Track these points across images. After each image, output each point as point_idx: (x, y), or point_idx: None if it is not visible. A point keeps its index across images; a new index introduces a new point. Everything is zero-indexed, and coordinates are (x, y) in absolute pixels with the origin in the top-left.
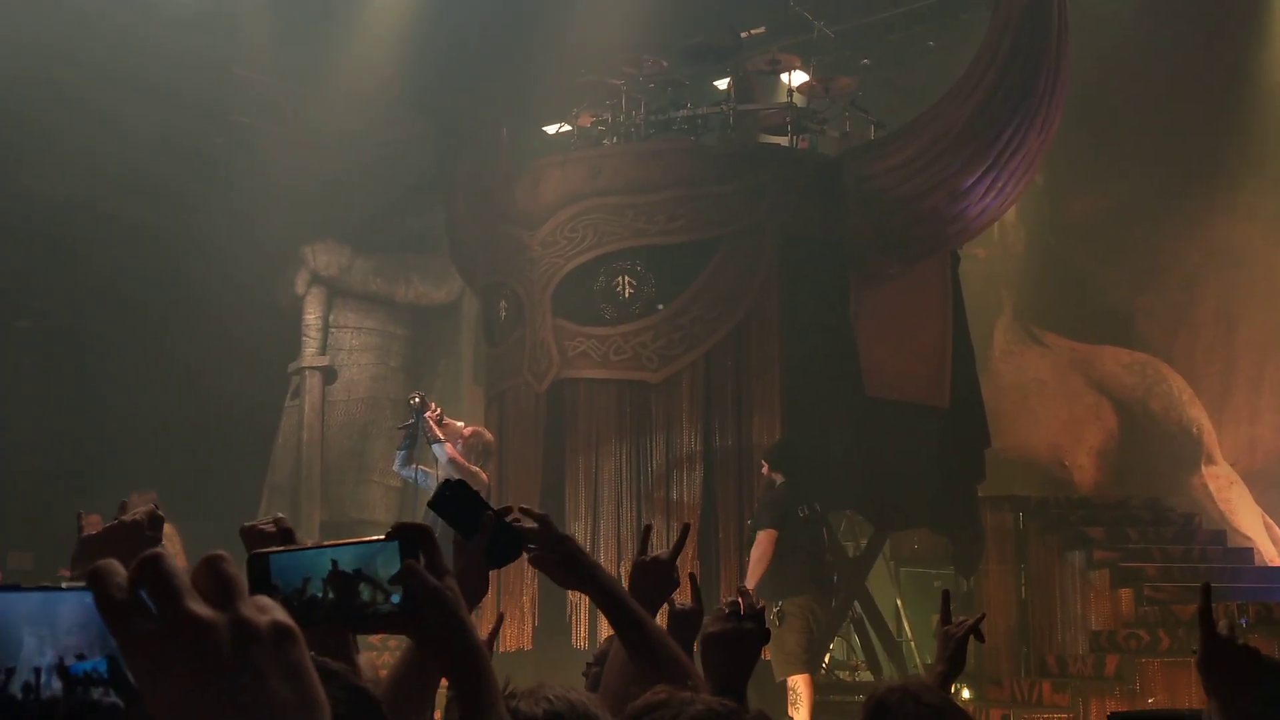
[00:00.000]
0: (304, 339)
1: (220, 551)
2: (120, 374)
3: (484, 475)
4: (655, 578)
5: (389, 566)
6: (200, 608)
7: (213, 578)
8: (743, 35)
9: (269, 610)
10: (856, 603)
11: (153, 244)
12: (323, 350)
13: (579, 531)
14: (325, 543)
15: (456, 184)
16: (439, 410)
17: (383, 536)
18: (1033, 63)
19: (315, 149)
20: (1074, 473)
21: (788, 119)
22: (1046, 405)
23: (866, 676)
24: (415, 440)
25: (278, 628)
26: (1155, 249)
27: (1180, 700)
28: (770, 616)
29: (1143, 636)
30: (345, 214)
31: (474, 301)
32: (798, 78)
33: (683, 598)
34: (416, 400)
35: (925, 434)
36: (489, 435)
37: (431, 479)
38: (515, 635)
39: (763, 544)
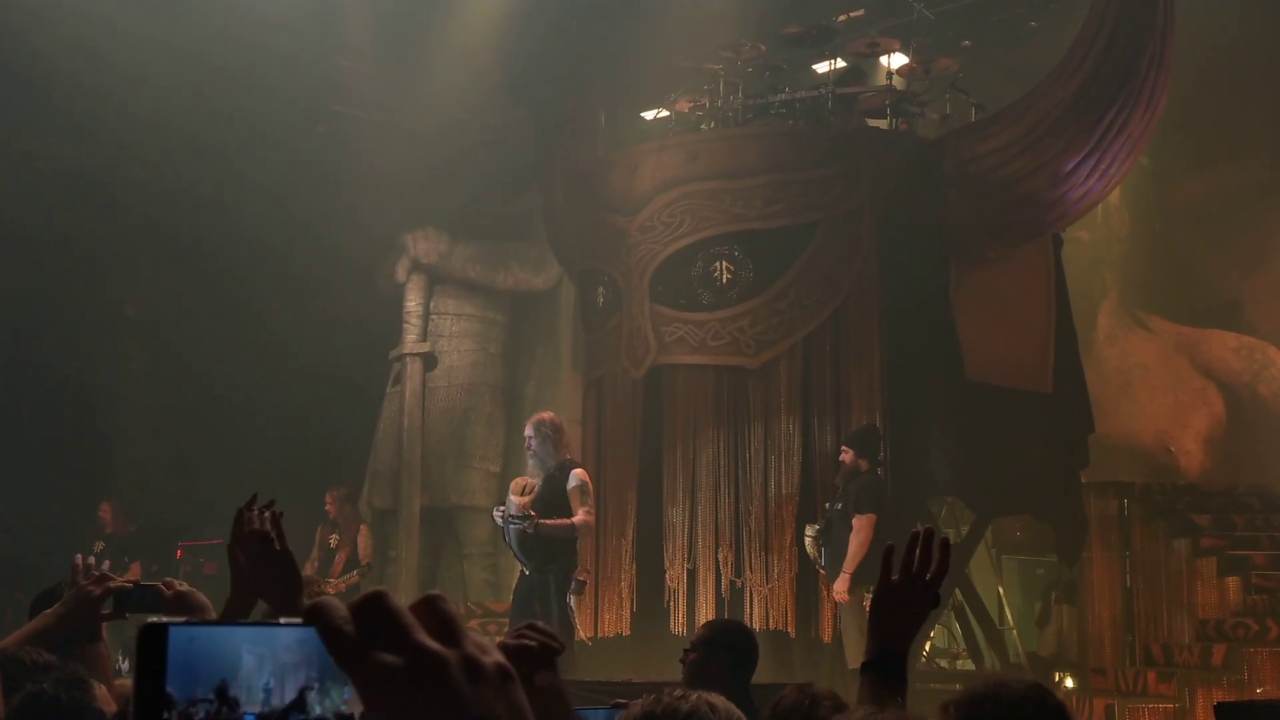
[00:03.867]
0: (405, 326)
1: (437, 592)
2: (224, 360)
3: (590, 519)
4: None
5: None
6: (433, 643)
7: (434, 617)
8: (841, 18)
9: (490, 651)
10: (957, 590)
11: (256, 232)
12: (423, 337)
13: (676, 517)
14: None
15: (554, 170)
16: (530, 491)
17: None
18: (1136, 43)
19: (415, 137)
20: (1180, 459)
21: (887, 102)
22: (1151, 390)
23: (967, 665)
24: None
25: (501, 668)
26: (1264, 231)
27: None
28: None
29: (1250, 626)
30: (445, 201)
31: (572, 287)
32: (897, 60)
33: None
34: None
35: (1027, 419)
36: (583, 470)
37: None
38: (613, 621)
39: (865, 529)
